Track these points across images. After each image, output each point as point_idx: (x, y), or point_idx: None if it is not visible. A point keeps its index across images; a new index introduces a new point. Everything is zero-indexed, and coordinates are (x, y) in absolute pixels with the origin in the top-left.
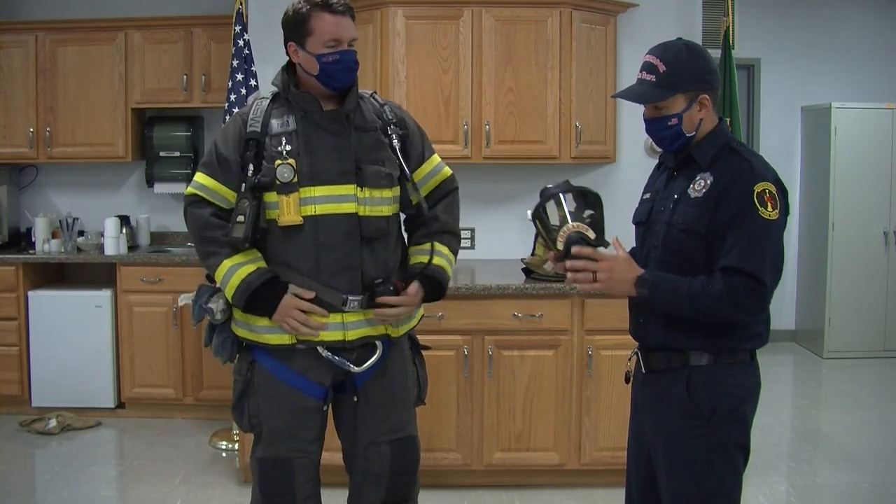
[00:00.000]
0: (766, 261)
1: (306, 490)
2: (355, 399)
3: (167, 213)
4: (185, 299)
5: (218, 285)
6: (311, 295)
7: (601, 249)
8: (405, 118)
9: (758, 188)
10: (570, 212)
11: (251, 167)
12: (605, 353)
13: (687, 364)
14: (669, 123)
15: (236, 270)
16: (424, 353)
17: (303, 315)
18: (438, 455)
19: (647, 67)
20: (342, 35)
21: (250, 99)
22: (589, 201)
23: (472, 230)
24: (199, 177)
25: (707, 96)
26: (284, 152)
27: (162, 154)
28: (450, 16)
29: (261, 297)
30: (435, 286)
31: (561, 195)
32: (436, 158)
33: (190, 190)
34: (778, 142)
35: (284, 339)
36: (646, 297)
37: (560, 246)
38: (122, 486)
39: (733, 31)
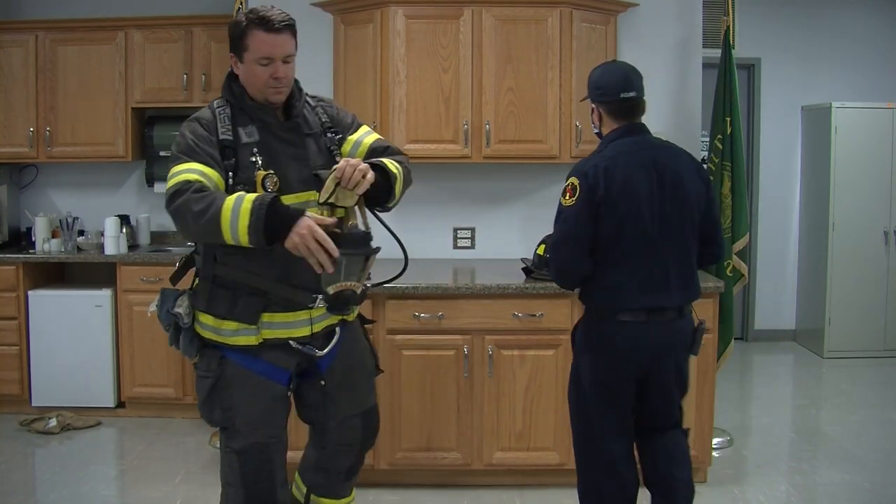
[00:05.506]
0: (554, 236)
1: (280, 475)
2: (322, 383)
3: (167, 212)
4: (152, 307)
5: (229, 226)
6: (334, 221)
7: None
8: (336, 116)
9: (566, 182)
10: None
11: (230, 175)
12: None
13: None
14: None
15: (244, 197)
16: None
17: (323, 237)
18: (438, 455)
19: None
20: (275, 53)
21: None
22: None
23: (472, 230)
24: (189, 165)
25: (593, 105)
26: (259, 163)
27: (162, 153)
28: (450, 15)
29: (279, 212)
30: (383, 174)
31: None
32: (363, 128)
33: (189, 177)
34: (778, 142)
35: (251, 340)
36: None
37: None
38: (122, 485)
39: (733, 31)
